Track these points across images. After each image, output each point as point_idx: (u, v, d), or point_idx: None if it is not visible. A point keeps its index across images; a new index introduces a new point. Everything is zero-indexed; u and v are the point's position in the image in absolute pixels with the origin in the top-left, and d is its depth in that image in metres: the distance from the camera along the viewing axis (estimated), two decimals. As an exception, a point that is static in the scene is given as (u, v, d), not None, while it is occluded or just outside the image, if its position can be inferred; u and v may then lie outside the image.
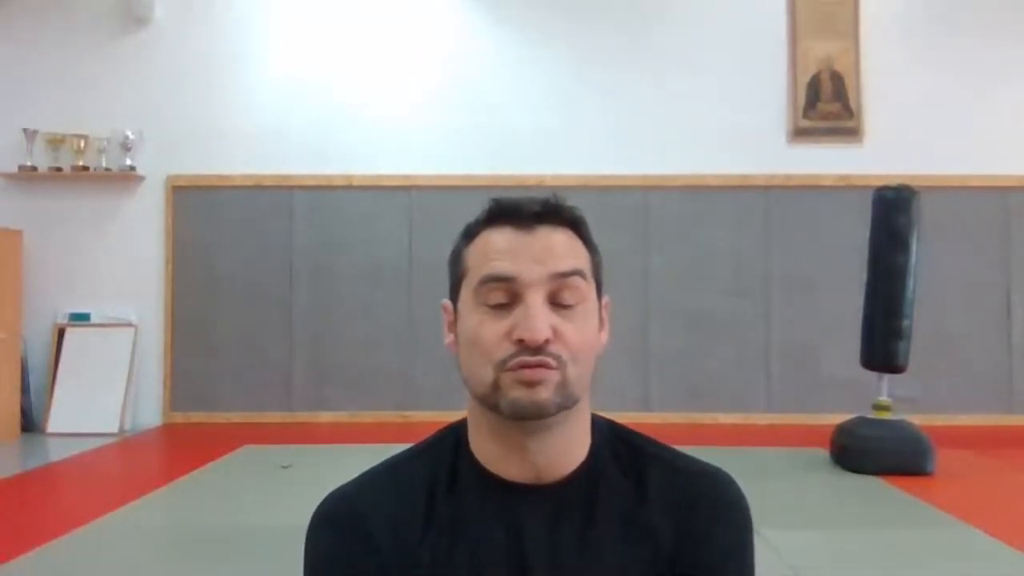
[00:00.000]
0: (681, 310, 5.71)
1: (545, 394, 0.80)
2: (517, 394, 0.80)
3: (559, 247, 0.84)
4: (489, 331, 0.81)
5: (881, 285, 4.31)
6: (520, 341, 0.79)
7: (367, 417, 5.64)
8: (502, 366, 0.80)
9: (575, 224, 0.88)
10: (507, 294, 0.82)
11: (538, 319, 0.79)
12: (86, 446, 4.91)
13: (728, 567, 0.85)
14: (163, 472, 4.59)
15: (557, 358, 0.80)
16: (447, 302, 0.89)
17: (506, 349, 0.80)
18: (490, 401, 0.82)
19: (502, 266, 0.82)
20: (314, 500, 0.89)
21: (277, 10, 5.88)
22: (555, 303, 0.82)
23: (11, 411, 5.29)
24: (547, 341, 0.79)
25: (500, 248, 0.83)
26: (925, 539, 3.16)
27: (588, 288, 0.85)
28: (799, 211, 5.74)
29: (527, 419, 0.81)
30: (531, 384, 0.80)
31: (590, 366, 0.84)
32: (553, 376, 0.80)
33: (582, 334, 0.82)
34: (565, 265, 0.83)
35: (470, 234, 0.87)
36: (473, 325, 0.83)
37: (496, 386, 0.81)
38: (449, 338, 0.89)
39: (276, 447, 4.79)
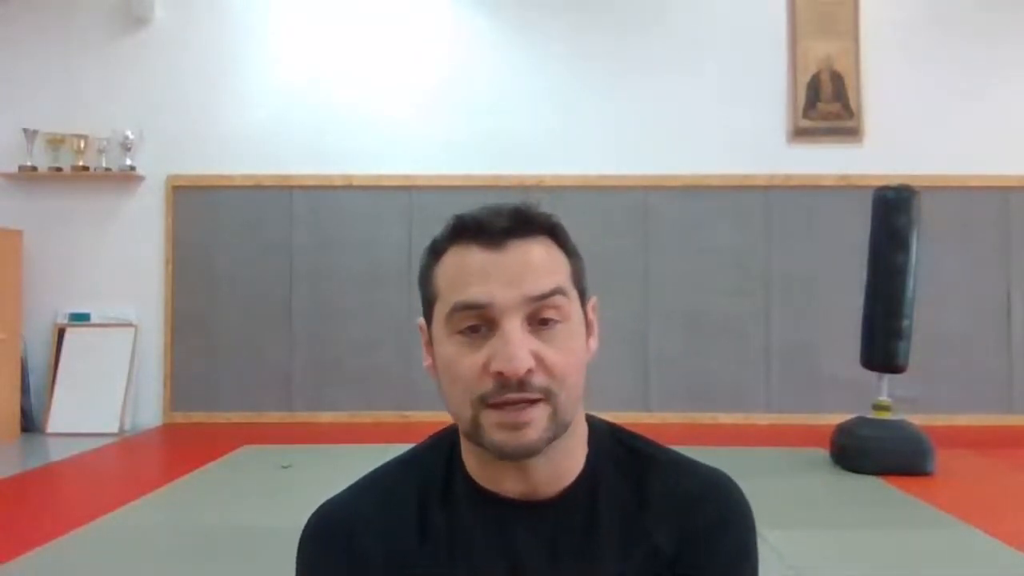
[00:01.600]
0: (681, 310, 5.71)
1: (533, 435, 0.75)
2: (500, 437, 0.75)
3: (535, 263, 0.77)
4: (466, 364, 0.76)
5: (881, 285, 4.31)
6: (499, 374, 0.74)
7: (367, 417, 5.64)
8: (483, 403, 0.75)
9: (550, 231, 0.81)
10: (482, 320, 0.76)
11: (517, 348, 0.73)
12: (86, 446, 4.91)
13: (730, 574, 0.82)
14: (163, 472, 4.58)
15: (543, 390, 0.75)
16: (422, 321, 0.84)
17: (485, 384, 0.75)
18: (473, 438, 0.78)
19: (473, 292, 0.76)
20: (314, 500, 0.88)
21: (277, 10, 5.88)
22: (534, 323, 0.76)
23: (11, 411, 5.29)
24: (529, 371, 0.74)
25: (470, 271, 0.77)
26: (925, 539, 3.15)
27: (570, 303, 0.79)
28: (799, 211, 5.74)
29: (514, 459, 0.78)
30: (515, 427, 0.75)
31: (581, 383, 0.79)
32: (541, 413, 0.75)
33: (567, 355, 0.77)
34: (543, 285, 0.76)
35: (437, 251, 0.82)
36: (448, 356, 0.78)
37: (477, 423, 0.76)
38: (427, 360, 0.84)
39: (276, 447, 4.79)
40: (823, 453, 4.47)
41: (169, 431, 5.53)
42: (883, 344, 4.29)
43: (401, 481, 0.85)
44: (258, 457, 4.59)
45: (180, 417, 5.69)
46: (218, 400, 5.69)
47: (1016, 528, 3.17)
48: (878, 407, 4.30)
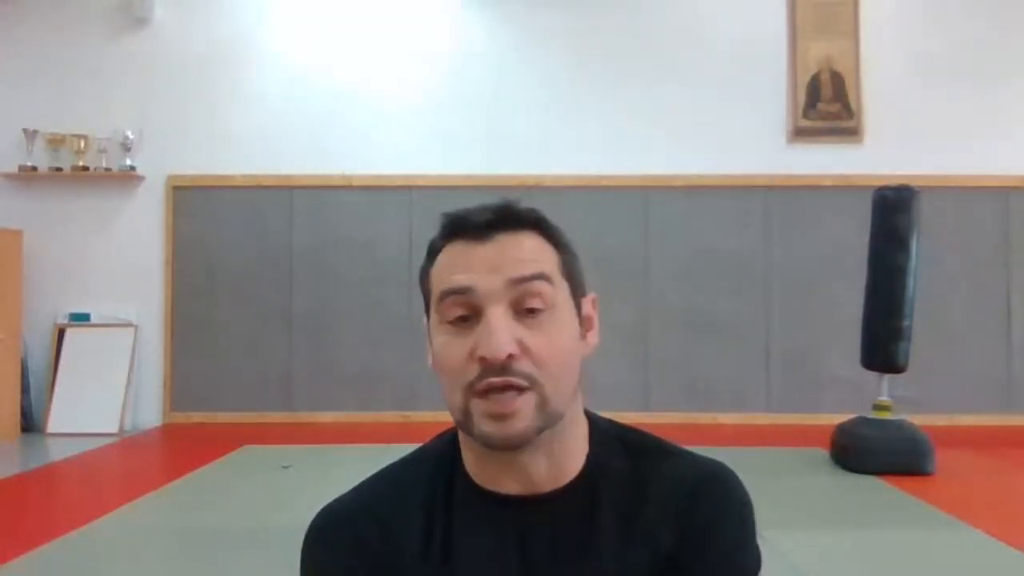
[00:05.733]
0: (681, 310, 5.71)
1: (520, 425, 0.75)
2: (487, 428, 0.76)
3: (518, 252, 0.79)
4: (453, 352, 0.77)
5: (881, 285, 4.31)
6: (482, 359, 0.75)
7: (367, 417, 5.63)
8: (470, 389, 0.76)
9: (537, 225, 0.83)
10: (467, 308, 0.78)
11: (499, 333, 0.75)
12: (86, 446, 4.91)
13: (729, 567, 0.82)
14: (163, 472, 4.58)
15: (527, 376, 0.75)
16: (427, 322, 0.86)
17: (472, 370, 0.76)
18: (465, 428, 0.79)
19: (457, 279, 0.78)
20: (314, 500, 0.88)
21: (277, 10, 5.88)
22: (521, 312, 0.77)
23: (11, 411, 5.29)
24: (511, 357, 0.75)
25: (456, 261, 0.79)
26: (925, 539, 3.16)
27: (556, 291, 0.80)
28: (799, 211, 5.74)
29: (503, 451, 0.78)
30: (501, 417, 0.75)
31: (572, 375, 0.80)
32: (527, 401, 0.75)
33: (553, 343, 0.77)
34: (525, 269, 0.78)
35: (432, 252, 0.84)
36: (439, 346, 0.79)
37: (467, 412, 0.77)
38: (429, 358, 0.85)
39: (276, 447, 4.79)
40: (823, 453, 4.47)
41: (169, 431, 5.53)
42: (883, 344, 4.29)
43: (407, 482, 0.86)
44: (258, 457, 4.59)
45: (180, 417, 5.69)
46: (218, 400, 5.69)
47: (1016, 528, 3.17)
48: (878, 407, 4.30)
